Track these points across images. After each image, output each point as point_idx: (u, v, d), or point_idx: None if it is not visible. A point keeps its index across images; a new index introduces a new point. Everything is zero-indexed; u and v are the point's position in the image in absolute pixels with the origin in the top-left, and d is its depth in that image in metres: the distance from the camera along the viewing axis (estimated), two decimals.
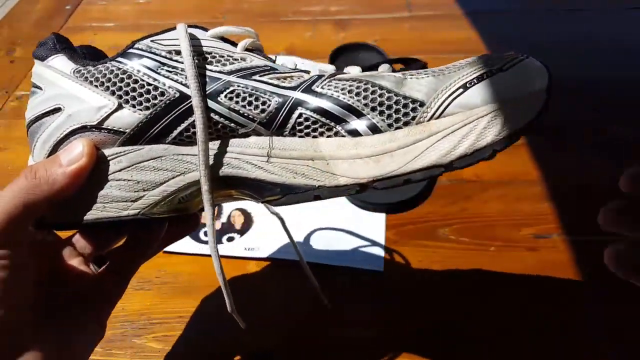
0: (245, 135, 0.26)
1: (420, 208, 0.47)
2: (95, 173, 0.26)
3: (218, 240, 0.45)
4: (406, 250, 0.43)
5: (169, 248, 0.37)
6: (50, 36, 0.28)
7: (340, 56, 0.56)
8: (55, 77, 0.27)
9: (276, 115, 0.25)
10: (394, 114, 0.24)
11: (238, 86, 0.25)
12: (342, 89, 0.25)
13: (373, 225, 0.46)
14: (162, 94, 0.25)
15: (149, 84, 0.25)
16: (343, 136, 0.25)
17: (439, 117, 0.24)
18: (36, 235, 0.29)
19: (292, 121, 0.25)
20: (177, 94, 0.25)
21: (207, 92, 0.25)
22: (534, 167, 0.48)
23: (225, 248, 0.45)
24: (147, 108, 0.26)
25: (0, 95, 0.63)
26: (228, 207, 0.49)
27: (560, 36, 0.66)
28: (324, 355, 0.38)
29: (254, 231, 0.46)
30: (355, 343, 0.38)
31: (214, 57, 0.26)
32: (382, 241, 0.44)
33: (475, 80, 0.23)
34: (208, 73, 0.26)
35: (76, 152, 0.25)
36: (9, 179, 0.25)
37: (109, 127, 0.26)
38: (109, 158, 0.26)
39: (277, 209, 0.36)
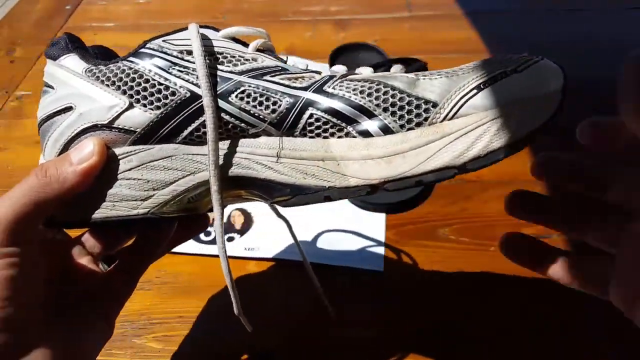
0: (256, 135, 0.26)
1: (420, 208, 0.47)
2: (105, 172, 0.26)
3: None
4: (406, 250, 0.43)
5: None
6: (62, 36, 0.28)
7: (340, 56, 0.56)
8: (67, 76, 0.27)
9: (287, 116, 0.25)
10: (406, 115, 0.24)
11: (249, 86, 0.25)
12: (354, 90, 0.25)
13: (373, 225, 0.46)
14: (173, 93, 0.25)
15: (160, 84, 0.26)
16: (354, 137, 0.25)
17: (452, 118, 0.23)
18: (46, 233, 0.29)
19: (302, 121, 0.25)
20: (188, 94, 0.25)
21: (218, 92, 0.25)
22: None
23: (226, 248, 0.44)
24: (158, 107, 0.26)
25: (0, 95, 0.63)
26: (228, 207, 0.49)
27: (560, 36, 0.66)
28: (324, 355, 0.38)
29: (254, 231, 0.46)
30: (355, 343, 0.38)
31: (225, 58, 0.26)
32: (382, 241, 0.44)
33: (489, 81, 0.23)
34: (219, 73, 0.26)
35: (87, 151, 0.25)
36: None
37: (119, 126, 0.26)
38: (119, 157, 0.26)
39: (285, 213, 0.35)
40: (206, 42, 0.26)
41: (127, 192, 0.26)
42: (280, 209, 0.33)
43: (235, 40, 0.27)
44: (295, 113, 0.25)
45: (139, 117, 0.26)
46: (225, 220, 0.47)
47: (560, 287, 0.27)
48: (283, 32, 0.71)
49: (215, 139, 0.25)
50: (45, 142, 0.27)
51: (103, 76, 0.26)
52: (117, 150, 0.26)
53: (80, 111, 0.26)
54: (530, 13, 0.71)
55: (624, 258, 0.24)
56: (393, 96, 0.24)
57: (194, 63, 0.26)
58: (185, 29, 0.27)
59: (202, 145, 0.26)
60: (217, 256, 0.44)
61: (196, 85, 0.25)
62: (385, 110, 0.24)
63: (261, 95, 0.25)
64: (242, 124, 0.26)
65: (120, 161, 0.26)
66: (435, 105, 0.24)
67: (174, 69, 0.26)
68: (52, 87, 0.27)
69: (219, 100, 0.25)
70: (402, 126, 0.24)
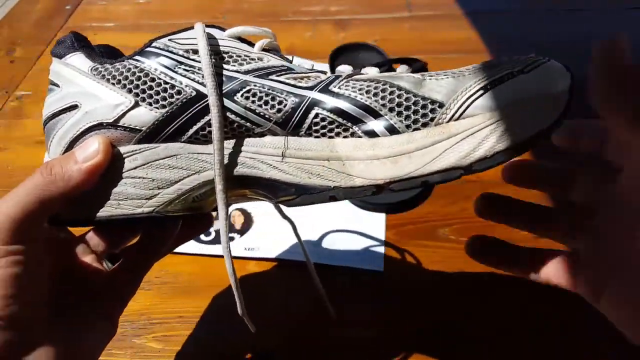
0: (261, 134, 0.26)
1: (420, 208, 0.47)
2: (110, 170, 0.26)
3: (218, 241, 0.45)
4: (406, 250, 0.43)
5: None
6: (68, 34, 0.28)
7: (340, 56, 0.56)
8: (73, 74, 0.27)
9: (292, 115, 0.25)
10: (412, 115, 0.24)
11: (254, 86, 0.25)
12: (360, 89, 0.25)
13: (373, 225, 0.46)
14: (179, 92, 0.25)
15: (166, 83, 0.26)
16: (360, 137, 0.25)
17: (458, 118, 0.23)
18: (50, 231, 0.29)
19: (308, 121, 0.25)
20: (194, 93, 0.25)
21: (224, 91, 0.25)
22: None
23: None
24: (164, 106, 0.26)
25: (0, 95, 0.63)
26: (230, 207, 0.48)
27: (560, 36, 0.65)
28: (324, 356, 0.38)
29: (254, 231, 0.46)
30: (355, 343, 0.38)
31: (230, 57, 0.26)
32: (382, 241, 0.44)
33: (496, 82, 0.23)
34: (225, 72, 0.26)
35: (92, 149, 0.25)
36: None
37: (125, 125, 0.26)
38: (124, 155, 0.26)
39: (290, 214, 0.35)
40: (212, 42, 0.26)
41: (132, 190, 0.26)
42: (285, 209, 0.33)
43: (241, 39, 0.27)
44: (301, 113, 0.25)
45: (145, 115, 0.26)
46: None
47: (560, 287, 0.27)
48: (283, 32, 0.71)
49: (220, 138, 0.25)
50: (50, 140, 0.27)
51: (109, 75, 0.26)
52: (122, 149, 0.26)
53: (86, 109, 0.26)
54: (530, 13, 0.71)
55: (588, 253, 0.26)
56: (399, 96, 0.24)
57: (199, 62, 0.26)
58: (191, 28, 0.26)
59: (207, 144, 0.26)
60: (217, 256, 0.44)
61: (202, 84, 0.25)
62: (391, 110, 0.24)
63: (267, 95, 0.25)
64: (248, 123, 0.26)
65: (125, 160, 0.26)
66: (441, 105, 0.24)
67: (179, 67, 0.26)
68: (57, 86, 0.27)
69: (224, 99, 0.25)
70: (408, 126, 0.24)
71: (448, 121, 0.23)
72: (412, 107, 0.24)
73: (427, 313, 0.39)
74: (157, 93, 0.26)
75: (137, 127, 0.26)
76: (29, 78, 0.66)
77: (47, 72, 0.29)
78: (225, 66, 0.26)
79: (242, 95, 0.25)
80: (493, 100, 0.23)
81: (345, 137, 0.25)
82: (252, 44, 0.27)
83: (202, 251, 0.44)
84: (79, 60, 0.27)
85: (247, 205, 0.48)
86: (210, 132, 0.26)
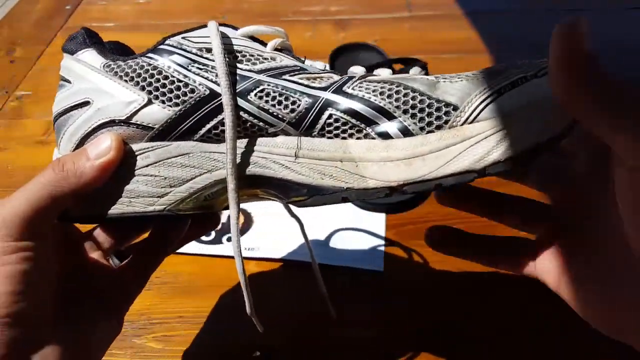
0: (274, 134, 0.26)
1: (420, 208, 0.47)
2: (122, 168, 0.26)
3: (218, 240, 0.45)
4: (406, 250, 0.43)
5: None
6: (80, 30, 0.28)
7: (340, 56, 0.56)
8: (85, 70, 0.27)
9: (306, 116, 0.25)
10: (426, 117, 0.24)
11: (268, 85, 0.25)
12: (374, 91, 0.25)
13: (373, 225, 0.46)
14: (192, 91, 0.25)
15: (180, 81, 0.25)
16: (373, 138, 0.24)
17: (472, 122, 0.23)
18: (60, 228, 0.29)
19: (321, 122, 0.25)
20: (207, 92, 0.25)
21: (237, 91, 0.25)
22: None
23: (225, 248, 0.44)
24: (177, 104, 0.26)
25: (0, 95, 0.63)
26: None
27: None
28: (324, 356, 0.38)
29: (254, 231, 0.46)
30: (356, 343, 0.38)
31: (244, 56, 0.26)
32: (382, 241, 0.44)
33: (509, 85, 0.23)
34: (238, 72, 0.26)
35: (104, 146, 0.25)
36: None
37: (137, 122, 0.26)
38: (136, 153, 0.26)
39: (298, 213, 0.35)
40: (225, 40, 0.26)
41: (144, 188, 0.26)
42: (294, 208, 0.33)
43: (253, 39, 0.27)
44: (315, 113, 0.25)
45: (158, 113, 0.26)
46: (225, 220, 0.47)
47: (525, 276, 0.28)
48: None
49: (233, 138, 0.25)
50: (61, 137, 0.27)
51: (121, 72, 0.26)
52: (134, 146, 0.26)
53: (98, 106, 0.26)
54: (530, 13, 0.71)
55: (547, 239, 0.27)
56: (413, 98, 0.24)
57: (213, 61, 0.26)
58: (205, 26, 0.26)
59: (220, 143, 0.26)
60: (217, 256, 0.44)
61: (215, 83, 0.25)
62: (405, 112, 0.24)
63: (280, 95, 0.25)
64: (261, 123, 0.26)
65: (138, 157, 0.26)
66: (455, 108, 0.23)
67: (193, 66, 0.26)
68: (68, 82, 0.27)
69: (238, 98, 0.25)
70: (422, 128, 0.24)
71: (462, 124, 0.23)
72: (427, 109, 0.24)
73: (427, 313, 0.39)
74: (171, 91, 0.26)
75: (149, 125, 0.26)
76: (29, 78, 0.66)
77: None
78: (238, 65, 0.26)
79: (255, 95, 0.25)
80: (506, 104, 0.23)
81: (358, 138, 0.25)
82: (264, 44, 0.27)
83: (202, 251, 0.44)
84: (90, 56, 0.27)
85: (247, 205, 0.48)
86: (222, 131, 0.26)
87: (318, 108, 0.25)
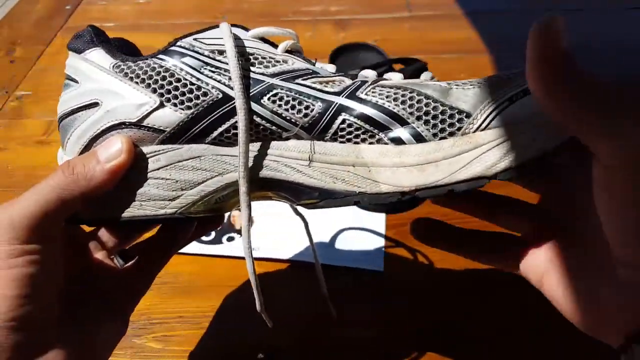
0: (286, 138, 0.26)
1: (420, 208, 0.47)
2: (132, 170, 0.26)
3: (218, 240, 0.45)
4: (406, 250, 0.43)
5: None
6: (86, 28, 0.27)
7: (340, 56, 0.56)
8: (93, 71, 0.26)
9: (319, 120, 0.25)
10: (439, 124, 0.24)
11: (281, 89, 0.25)
12: (387, 97, 0.25)
13: (373, 225, 0.46)
14: (205, 94, 0.25)
15: (192, 84, 0.25)
16: (386, 144, 0.24)
17: (485, 129, 0.23)
18: (67, 230, 0.29)
19: (334, 126, 0.25)
20: (220, 95, 0.25)
21: (251, 94, 0.25)
22: None
23: (225, 248, 0.44)
24: (189, 107, 0.25)
25: (0, 95, 0.63)
26: None
27: None
28: (324, 356, 0.38)
29: (254, 231, 0.46)
30: (356, 343, 0.38)
31: (256, 59, 0.26)
32: (382, 241, 0.44)
33: (521, 93, 0.23)
34: (251, 75, 0.25)
35: (115, 149, 0.25)
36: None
37: (149, 125, 0.26)
38: (147, 156, 0.26)
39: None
40: (237, 42, 0.26)
41: (155, 191, 0.26)
42: (299, 207, 0.33)
43: (264, 40, 0.27)
44: (328, 118, 0.25)
45: (170, 116, 0.25)
46: (225, 220, 0.47)
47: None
48: None
49: (246, 142, 0.25)
50: (68, 138, 0.27)
51: (132, 73, 0.26)
52: (145, 149, 0.26)
53: (107, 108, 0.26)
54: (530, 13, 0.71)
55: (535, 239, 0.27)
56: (427, 105, 0.24)
57: (225, 63, 0.25)
58: (216, 26, 0.26)
59: (232, 146, 0.26)
60: (217, 256, 0.44)
61: (228, 86, 0.25)
62: (418, 118, 0.24)
63: (293, 99, 0.25)
64: (274, 127, 0.25)
65: (149, 160, 0.26)
66: (468, 115, 0.24)
67: (205, 68, 0.25)
68: (75, 81, 0.27)
69: (251, 102, 0.25)
70: (435, 135, 0.24)
71: (474, 131, 0.23)
72: (440, 116, 0.24)
73: (427, 313, 0.39)
74: (183, 94, 0.25)
75: (161, 128, 0.26)
76: (29, 78, 0.66)
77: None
78: (251, 68, 0.26)
79: (269, 99, 0.25)
80: (518, 111, 0.23)
81: (370, 143, 0.25)
82: (274, 45, 0.27)
83: (202, 251, 0.44)
84: (98, 56, 0.26)
85: None
86: (234, 134, 0.25)
87: (332, 113, 0.25)
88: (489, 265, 0.30)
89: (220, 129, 0.26)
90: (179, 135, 0.26)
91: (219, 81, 0.25)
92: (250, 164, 0.26)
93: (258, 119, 0.25)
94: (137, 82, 0.25)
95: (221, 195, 0.27)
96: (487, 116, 0.23)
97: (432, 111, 0.24)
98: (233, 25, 0.27)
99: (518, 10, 0.72)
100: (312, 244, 0.36)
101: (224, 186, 0.26)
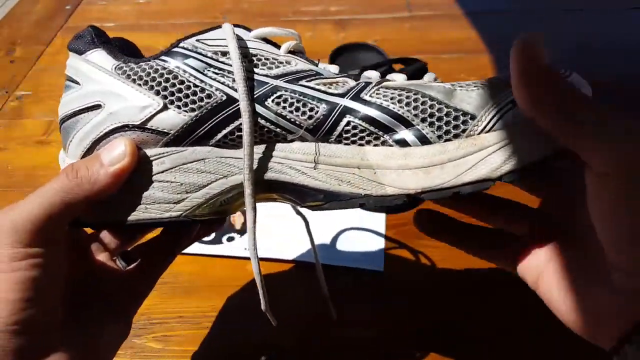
0: (290, 140, 0.26)
1: (421, 207, 0.47)
2: (136, 173, 0.26)
3: (218, 241, 0.45)
4: (406, 250, 0.43)
5: None
6: (87, 29, 0.27)
7: (340, 56, 0.56)
8: (95, 72, 0.26)
9: (324, 122, 0.25)
10: (444, 126, 0.24)
11: (285, 91, 0.25)
12: (392, 98, 0.25)
13: (373, 226, 0.46)
14: (209, 96, 0.25)
15: (196, 86, 0.25)
16: (390, 145, 0.24)
17: (489, 130, 0.23)
18: (70, 233, 0.29)
19: (339, 128, 0.25)
20: (224, 97, 0.25)
21: (255, 96, 0.25)
22: None
23: (225, 248, 0.44)
24: (193, 110, 0.25)
25: (0, 95, 0.63)
26: None
27: (560, 36, 0.66)
28: (324, 356, 0.38)
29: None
30: (356, 343, 0.38)
31: (259, 60, 0.26)
32: (382, 241, 0.44)
33: None
34: (255, 77, 0.25)
35: (118, 152, 0.25)
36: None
37: (152, 128, 0.25)
38: (151, 158, 0.26)
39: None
40: (240, 43, 0.25)
41: (160, 194, 0.26)
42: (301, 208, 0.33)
43: (266, 40, 0.27)
44: (333, 120, 0.25)
45: (174, 119, 0.25)
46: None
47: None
48: None
49: (251, 144, 0.25)
50: (70, 140, 0.26)
51: (134, 75, 0.25)
52: (149, 152, 0.26)
53: (110, 110, 0.25)
54: (530, 13, 0.71)
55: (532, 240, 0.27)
56: (431, 106, 0.24)
57: (229, 65, 0.25)
58: (219, 27, 0.26)
59: (236, 148, 0.26)
60: (217, 256, 0.44)
61: (232, 88, 0.25)
62: (423, 120, 0.24)
63: (298, 101, 0.25)
64: (278, 129, 0.25)
65: (153, 163, 0.26)
66: (473, 117, 0.24)
67: (209, 70, 0.25)
68: (77, 83, 0.26)
69: (255, 104, 0.25)
70: (439, 137, 0.24)
71: (479, 133, 0.23)
72: (444, 118, 0.24)
73: (427, 313, 0.39)
74: (187, 96, 0.25)
75: (165, 130, 0.25)
76: (29, 78, 0.66)
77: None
78: (255, 70, 0.25)
79: (273, 101, 0.25)
80: (522, 113, 0.23)
81: (375, 145, 0.25)
82: (276, 45, 0.27)
83: (202, 251, 0.44)
84: (100, 57, 0.26)
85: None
86: (238, 136, 0.25)
87: (336, 115, 0.25)
88: (488, 263, 0.30)
89: (224, 131, 0.25)
90: (183, 137, 0.26)
91: (222, 83, 0.25)
92: (255, 166, 0.26)
93: (262, 121, 0.25)
94: (139, 84, 0.25)
95: (226, 197, 0.26)
96: (492, 118, 0.23)
97: (436, 113, 0.24)
98: (235, 25, 0.26)
99: (518, 10, 0.72)
100: (313, 243, 0.36)
101: (229, 188, 0.26)
